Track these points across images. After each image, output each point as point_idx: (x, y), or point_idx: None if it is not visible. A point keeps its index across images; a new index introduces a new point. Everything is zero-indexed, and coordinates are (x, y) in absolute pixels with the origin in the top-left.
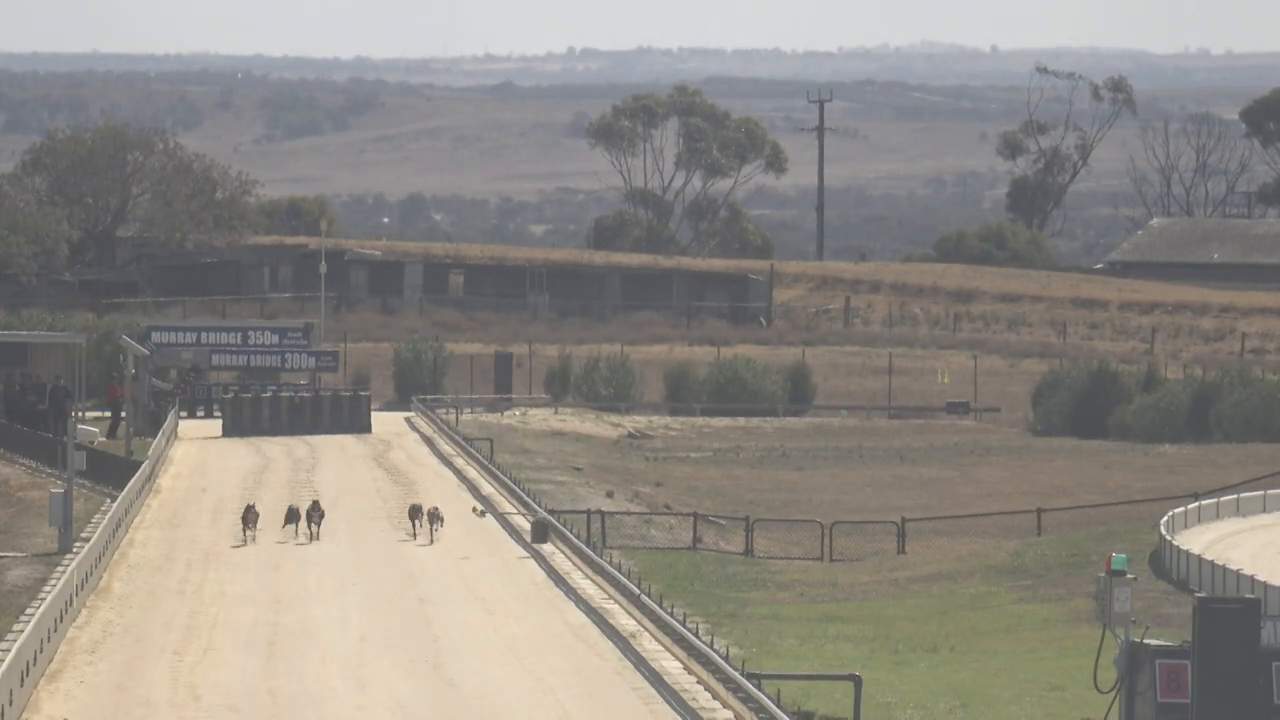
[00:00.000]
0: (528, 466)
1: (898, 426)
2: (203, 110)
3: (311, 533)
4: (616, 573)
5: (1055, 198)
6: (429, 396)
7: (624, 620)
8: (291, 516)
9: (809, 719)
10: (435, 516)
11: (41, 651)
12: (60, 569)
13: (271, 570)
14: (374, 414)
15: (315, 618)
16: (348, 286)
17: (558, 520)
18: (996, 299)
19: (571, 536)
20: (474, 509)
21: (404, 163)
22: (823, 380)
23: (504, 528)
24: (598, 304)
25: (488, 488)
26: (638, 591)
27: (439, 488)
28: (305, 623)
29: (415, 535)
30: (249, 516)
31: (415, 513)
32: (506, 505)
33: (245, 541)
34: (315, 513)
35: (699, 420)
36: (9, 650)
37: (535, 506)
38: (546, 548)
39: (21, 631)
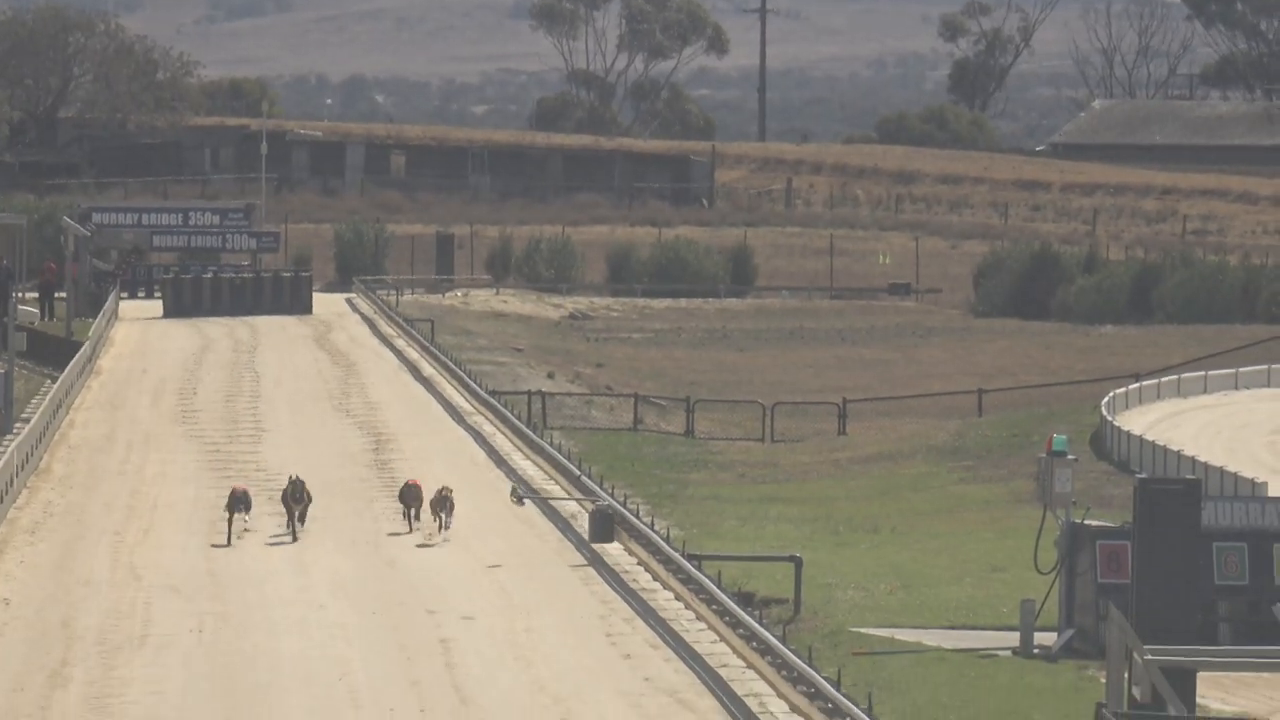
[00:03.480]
0: (469, 348)
1: (839, 307)
2: None
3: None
4: (557, 453)
5: (997, 79)
6: (370, 277)
7: (564, 501)
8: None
9: (750, 600)
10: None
11: None
12: (0, 450)
13: (212, 452)
14: (315, 295)
15: (255, 497)
16: (289, 168)
17: (499, 401)
18: (938, 181)
19: (512, 417)
20: (513, 493)
21: (346, 44)
22: (764, 261)
23: (445, 407)
24: (539, 185)
25: (429, 369)
26: (578, 472)
27: (379, 369)
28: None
29: (411, 528)
30: (237, 503)
31: (408, 497)
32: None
33: (231, 537)
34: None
35: (640, 301)
36: None
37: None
38: (486, 427)
39: None
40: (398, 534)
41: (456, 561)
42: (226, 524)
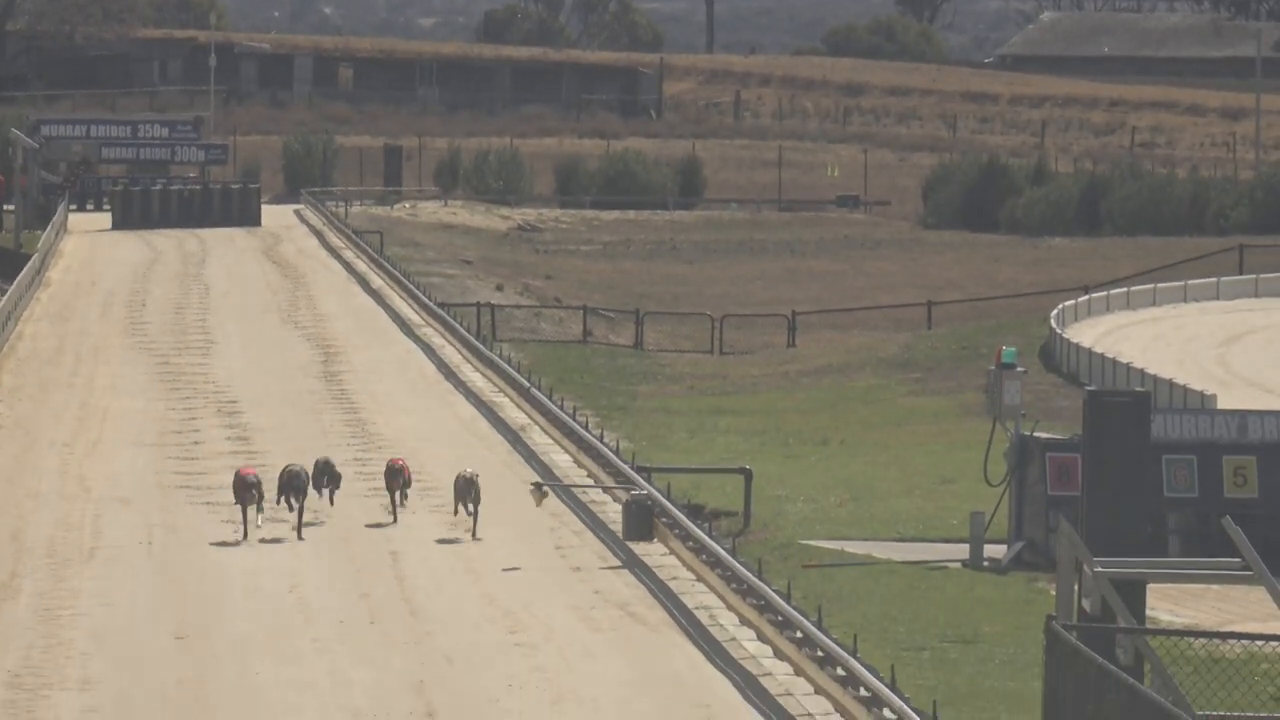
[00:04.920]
0: (417, 259)
1: (788, 220)
2: None
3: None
4: (506, 366)
5: None
6: (318, 190)
7: (514, 414)
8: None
9: (699, 512)
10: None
11: None
12: None
13: (161, 364)
14: (263, 207)
15: (204, 409)
16: (237, 80)
17: (448, 313)
18: (886, 93)
19: (461, 329)
20: (536, 488)
21: None
22: (713, 173)
23: (394, 319)
24: (487, 97)
25: (377, 281)
26: (527, 385)
27: (328, 281)
28: (193, 413)
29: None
30: (248, 491)
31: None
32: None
33: (246, 529)
34: (328, 479)
35: (589, 213)
36: None
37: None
38: (435, 339)
39: None
40: (380, 524)
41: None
42: (241, 516)
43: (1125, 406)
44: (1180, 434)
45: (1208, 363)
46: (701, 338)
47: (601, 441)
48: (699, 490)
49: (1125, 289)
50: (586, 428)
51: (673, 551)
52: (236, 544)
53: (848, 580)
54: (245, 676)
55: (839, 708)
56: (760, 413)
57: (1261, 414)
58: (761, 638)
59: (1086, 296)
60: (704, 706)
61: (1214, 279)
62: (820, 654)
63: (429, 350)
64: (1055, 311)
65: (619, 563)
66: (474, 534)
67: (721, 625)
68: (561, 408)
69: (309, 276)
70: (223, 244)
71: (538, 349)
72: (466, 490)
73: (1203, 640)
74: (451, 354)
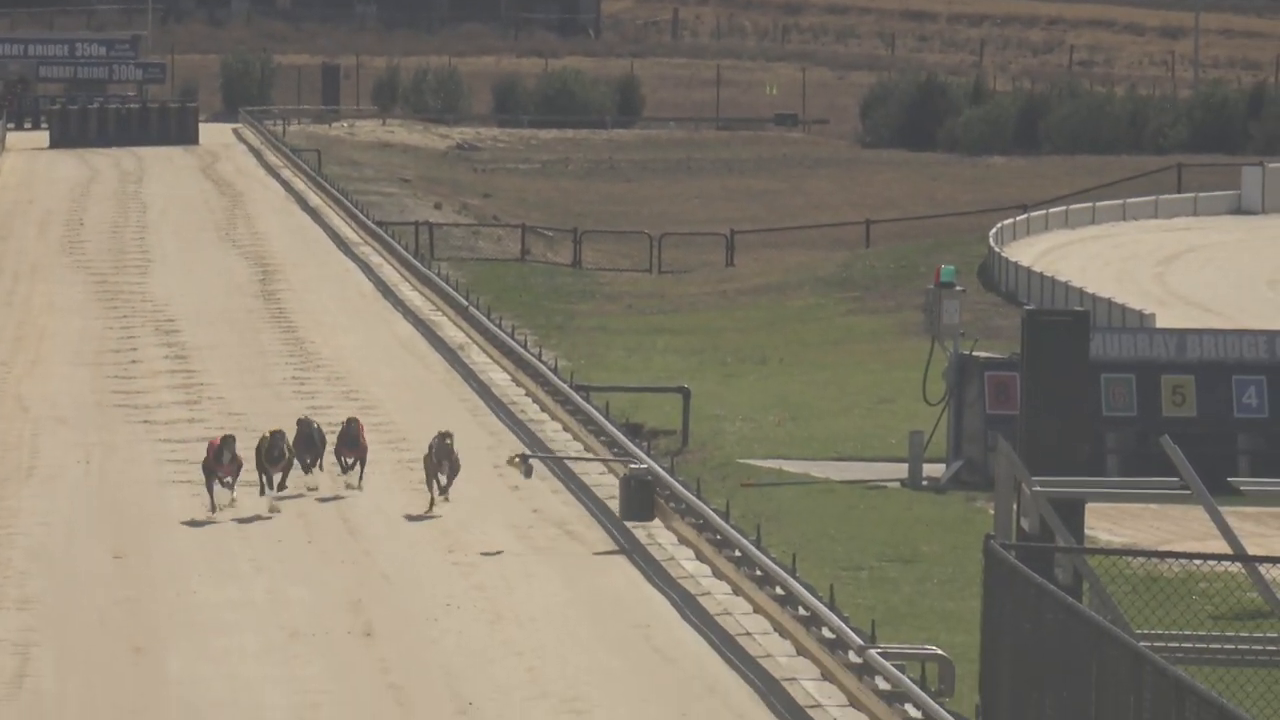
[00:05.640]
0: (355, 178)
1: (726, 138)
2: None
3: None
4: (444, 284)
5: None
6: (257, 108)
7: (452, 332)
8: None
9: (637, 431)
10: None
11: None
12: None
13: (99, 283)
14: (202, 126)
15: (142, 328)
16: None
17: (386, 232)
18: (824, 11)
19: (399, 247)
20: (521, 460)
21: None
22: (651, 92)
23: (332, 238)
24: (425, 16)
25: (315, 199)
26: (465, 303)
27: (266, 200)
28: (131, 332)
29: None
30: (218, 462)
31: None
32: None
33: (215, 505)
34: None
35: (527, 132)
36: None
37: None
38: (373, 258)
39: None
40: (340, 496)
41: (343, 391)
42: (207, 490)
43: (1064, 325)
44: (1119, 353)
45: (1146, 281)
46: (640, 256)
47: (540, 360)
48: (637, 409)
49: (1064, 208)
50: (525, 346)
51: (610, 471)
52: (181, 465)
53: (786, 499)
54: (183, 596)
55: (777, 627)
56: (698, 331)
57: (1200, 333)
58: (700, 557)
59: (1025, 215)
60: (642, 626)
61: (1152, 197)
62: (759, 573)
63: (367, 269)
64: (994, 230)
65: (557, 482)
66: (445, 496)
67: (660, 544)
68: (500, 326)
69: (247, 195)
70: (161, 163)
71: (476, 267)
72: (442, 457)
73: (1141, 559)
74: (390, 272)
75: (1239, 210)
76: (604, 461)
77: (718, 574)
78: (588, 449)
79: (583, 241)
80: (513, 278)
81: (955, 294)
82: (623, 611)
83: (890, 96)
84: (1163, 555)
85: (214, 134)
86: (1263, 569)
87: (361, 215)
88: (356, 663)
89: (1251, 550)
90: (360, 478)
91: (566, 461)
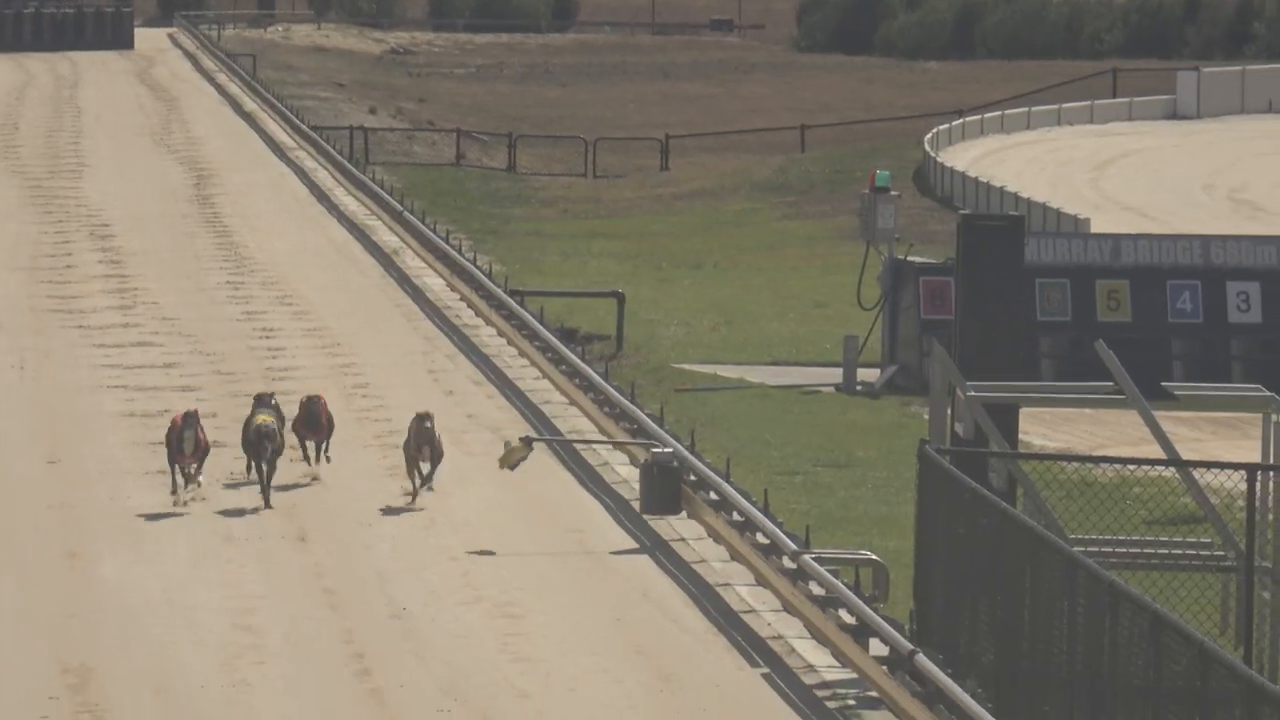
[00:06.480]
0: (290, 83)
1: (662, 43)
2: None
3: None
4: (379, 189)
5: None
6: (192, 12)
7: (386, 237)
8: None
9: (572, 336)
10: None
11: None
12: None
13: (33, 187)
14: (137, 30)
15: (77, 232)
16: None
17: (321, 136)
18: None
19: (334, 152)
20: (524, 443)
21: None
22: None
23: (267, 142)
24: None
25: (250, 104)
26: (400, 208)
27: (201, 104)
28: (65, 236)
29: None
30: (180, 452)
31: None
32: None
33: (179, 495)
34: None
35: (462, 36)
36: None
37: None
38: (308, 163)
39: None
40: (301, 485)
41: (280, 296)
42: (170, 474)
43: (999, 230)
44: (1054, 258)
45: (1081, 187)
46: (575, 161)
47: (475, 265)
48: (572, 314)
49: (999, 113)
50: (460, 251)
51: (545, 375)
52: (115, 371)
53: (721, 404)
54: (117, 500)
55: (711, 532)
56: (633, 236)
57: (1134, 237)
58: (634, 462)
59: (961, 120)
60: (576, 531)
61: (1088, 103)
62: (693, 478)
63: (301, 173)
64: (929, 135)
65: (492, 388)
66: (429, 486)
67: (594, 450)
68: (434, 231)
69: (182, 100)
70: (95, 67)
71: (410, 172)
72: (423, 443)
73: (1075, 464)
74: (324, 177)
75: (1174, 115)
76: (615, 444)
77: None
78: (522, 353)
79: (517, 146)
80: (447, 183)
81: (890, 199)
82: (557, 516)
83: (826, 1)
84: (1097, 460)
85: (149, 39)
86: (1196, 473)
87: (296, 120)
88: (291, 567)
89: (1185, 455)
90: (320, 456)
91: (496, 362)
